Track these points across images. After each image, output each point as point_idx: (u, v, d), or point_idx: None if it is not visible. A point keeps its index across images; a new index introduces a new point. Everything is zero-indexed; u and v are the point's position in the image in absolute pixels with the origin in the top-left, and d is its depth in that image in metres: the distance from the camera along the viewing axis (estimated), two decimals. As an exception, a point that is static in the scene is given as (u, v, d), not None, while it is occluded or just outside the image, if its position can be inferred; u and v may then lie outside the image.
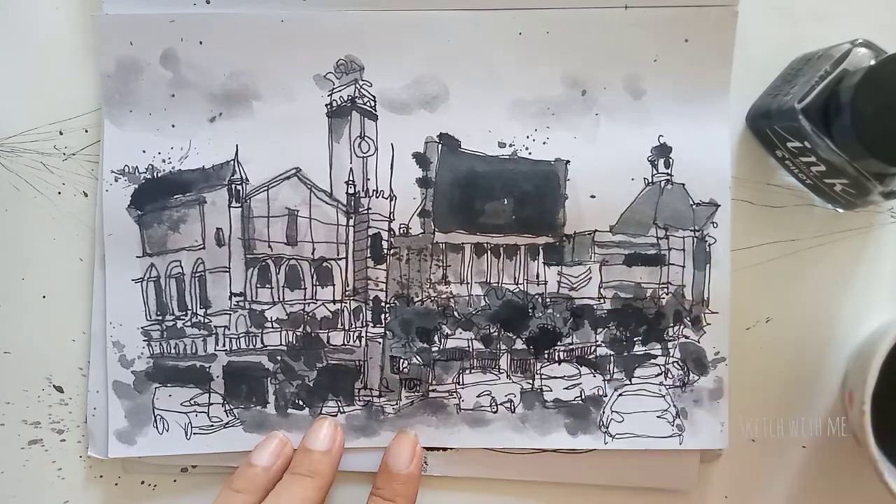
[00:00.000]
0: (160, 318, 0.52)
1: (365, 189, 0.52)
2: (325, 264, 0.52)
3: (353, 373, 0.53)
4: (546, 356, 0.53)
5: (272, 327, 0.52)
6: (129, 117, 0.51)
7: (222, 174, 0.51)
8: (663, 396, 0.53)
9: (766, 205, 0.53)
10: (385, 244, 0.52)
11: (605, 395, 0.53)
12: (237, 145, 0.51)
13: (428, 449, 0.53)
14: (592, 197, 0.52)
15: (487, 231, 0.52)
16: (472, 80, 0.52)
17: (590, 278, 0.53)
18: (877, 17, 0.52)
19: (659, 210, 0.52)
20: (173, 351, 0.52)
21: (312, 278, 0.52)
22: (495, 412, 0.53)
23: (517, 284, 0.53)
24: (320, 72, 0.51)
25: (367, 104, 0.52)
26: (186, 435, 0.53)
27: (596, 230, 0.52)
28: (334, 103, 0.52)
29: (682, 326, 0.53)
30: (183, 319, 0.52)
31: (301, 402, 0.53)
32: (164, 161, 0.52)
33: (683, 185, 0.52)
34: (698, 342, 0.53)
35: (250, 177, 0.51)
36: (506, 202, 0.52)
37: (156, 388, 0.53)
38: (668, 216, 0.52)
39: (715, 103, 0.52)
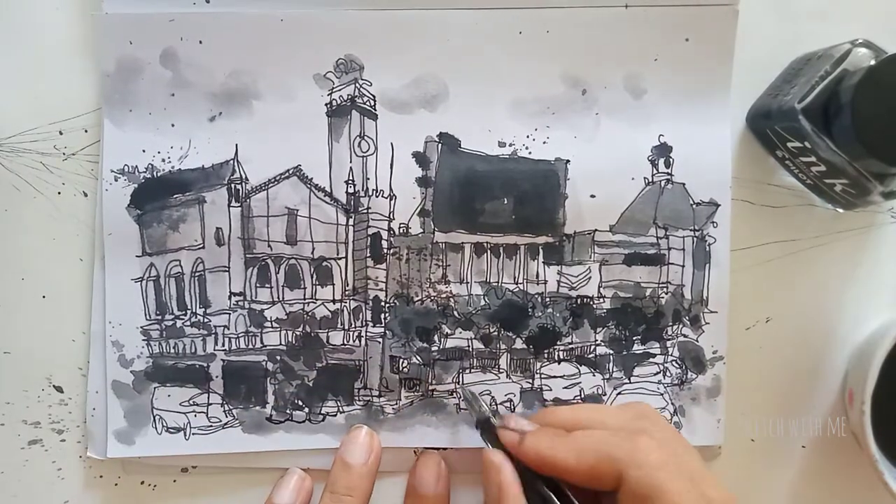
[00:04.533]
0: (160, 317, 0.52)
1: (365, 188, 0.52)
2: (324, 264, 0.52)
3: (352, 372, 0.53)
4: (546, 355, 0.53)
5: (272, 327, 0.52)
6: (128, 117, 0.51)
7: (222, 173, 0.51)
8: (662, 395, 0.53)
9: (766, 205, 0.53)
10: (385, 244, 0.52)
11: (605, 394, 0.53)
12: (237, 144, 0.51)
13: (428, 449, 0.53)
14: (592, 196, 0.52)
15: (487, 230, 0.52)
16: (472, 79, 0.52)
17: (589, 278, 0.53)
18: (877, 17, 0.52)
19: (659, 209, 0.52)
20: (172, 351, 0.52)
21: (312, 278, 0.52)
22: (495, 411, 0.53)
23: (517, 284, 0.53)
24: (320, 71, 0.51)
25: (367, 103, 0.52)
26: (185, 435, 0.52)
27: (596, 230, 0.52)
28: (334, 102, 0.52)
29: (680, 325, 0.53)
30: (182, 319, 0.52)
31: (300, 402, 0.53)
32: (163, 160, 0.52)
33: (684, 184, 0.52)
34: (697, 341, 0.53)
35: (250, 176, 0.51)
36: (506, 202, 0.52)
37: (155, 387, 0.53)
38: (668, 216, 0.52)
39: (716, 102, 0.52)
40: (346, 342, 0.53)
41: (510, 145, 0.52)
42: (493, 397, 0.53)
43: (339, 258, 0.52)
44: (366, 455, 0.51)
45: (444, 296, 0.53)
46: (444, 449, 0.53)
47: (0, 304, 0.53)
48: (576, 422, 0.47)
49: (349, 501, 0.49)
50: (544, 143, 0.52)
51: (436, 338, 0.53)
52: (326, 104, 0.52)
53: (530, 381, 0.53)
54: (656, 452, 0.42)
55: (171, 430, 0.52)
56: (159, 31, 0.51)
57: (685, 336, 0.53)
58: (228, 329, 0.52)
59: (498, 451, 0.47)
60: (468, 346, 0.53)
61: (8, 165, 0.52)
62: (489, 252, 0.53)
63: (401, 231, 0.52)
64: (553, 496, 0.45)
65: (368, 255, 0.52)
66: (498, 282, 0.53)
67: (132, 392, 0.52)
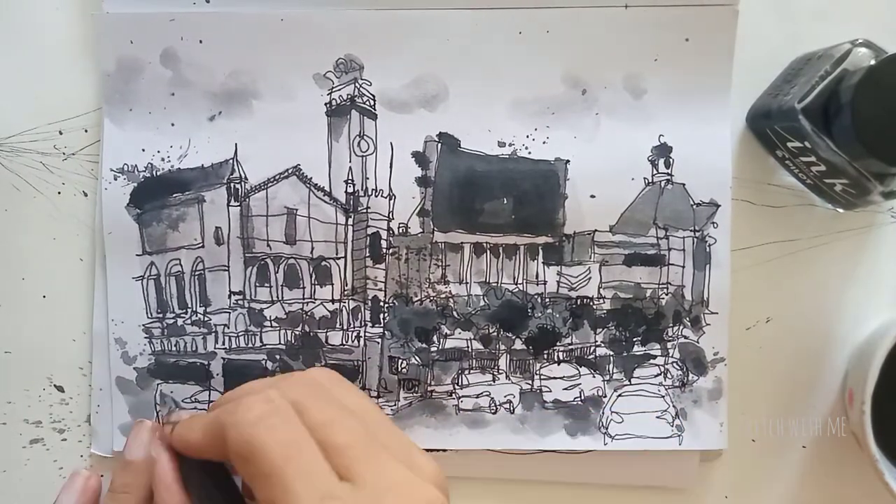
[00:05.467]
0: (161, 315, 0.52)
1: (364, 188, 0.52)
2: (323, 263, 0.52)
3: (351, 373, 0.53)
4: (545, 356, 0.53)
5: (271, 326, 0.52)
6: (128, 116, 0.51)
7: (221, 173, 0.52)
8: (662, 397, 0.53)
9: (766, 205, 0.53)
10: (384, 243, 0.52)
11: (605, 396, 0.53)
12: (236, 144, 0.51)
13: (427, 450, 0.53)
14: (592, 197, 0.52)
15: (487, 231, 0.52)
16: (471, 79, 0.52)
17: (589, 278, 0.53)
18: (877, 17, 0.52)
19: (659, 210, 0.52)
20: (174, 348, 0.53)
21: (311, 277, 0.52)
22: (494, 413, 0.53)
23: (516, 284, 0.53)
24: (320, 71, 0.51)
25: (367, 103, 0.52)
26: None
27: (596, 230, 0.52)
28: (334, 102, 0.52)
29: (681, 327, 0.53)
30: (183, 317, 0.52)
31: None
32: (163, 160, 0.52)
33: (684, 185, 0.52)
34: (697, 342, 0.53)
35: (249, 175, 0.51)
36: (505, 202, 0.52)
37: (158, 384, 0.53)
38: (668, 216, 0.52)
39: (716, 103, 0.52)
40: (344, 342, 0.53)
41: (510, 145, 0.52)
42: (491, 398, 0.53)
43: (339, 258, 0.52)
44: (143, 450, 0.47)
45: (443, 296, 0.53)
46: (444, 451, 0.53)
47: (0, 304, 0.53)
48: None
49: (125, 499, 0.46)
50: (544, 143, 0.52)
51: (435, 338, 0.53)
52: (326, 104, 0.52)
53: (529, 381, 0.53)
54: (258, 407, 0.38)
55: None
56: (159, 31, 0.51)
57: (686, 337, 0.53)
58: (228, 328, 0.52)
59: (156, 447, 0.45)
60: (467, 347, 0.53)
61: (8, 165, 0.52)
62: (489, 252, 0.53)
63: (400, 231, 0.52)
64: (204, 477, 0.43)
65: (368, 254, 0.52)
66: (497, 282, 0.53)
67: (136, 388, 0.53)
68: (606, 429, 0.53)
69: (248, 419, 0.37)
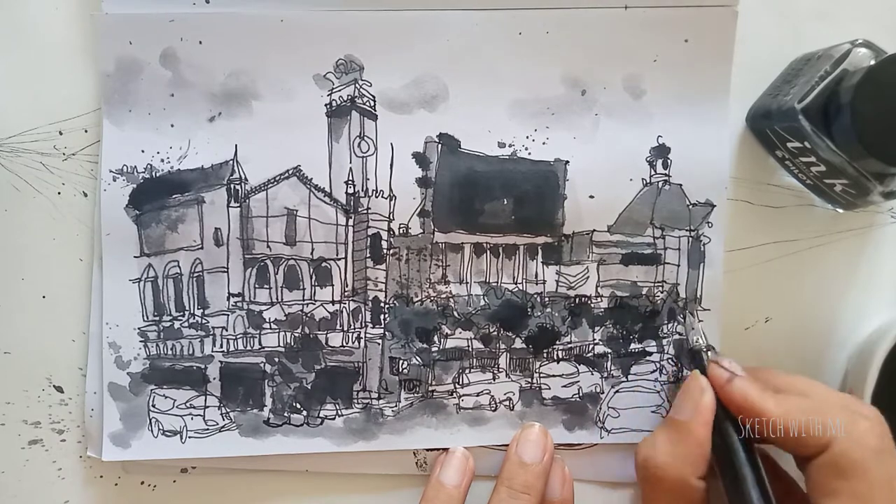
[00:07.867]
0: (157, 318, 0.52)
1: (364, 189, 0.52)
2: (324, 264, 0.52)
3: (351, 374, 0.53)
4: (545, 355, 0.53)
5: (270, 328, 0.52)
6: (128, 117, 0.51)
7: (221, 174, 0.51)
8: (658, 392, 0.53)
9: (765, 205, 0.53)
10: (384, 244, 0.52)
11: (603, 392, 0.53)
12: (236, 145, 0.51)
13: (427, 450, 0.53)
14: (591, 197, 0.52)
15: (487, 231, 0.52)
16: (471, 79, 0.52)
17: (587, 277, 0.53)
18: (877, 17, 0.52)
19: (656, 210, 0.52)
20: (170, 352, 0.52)
21: (311, 279, 0.52)
22: (494, 410, 0.53)
23: (516, 284, 0.53)
24: (320, 71, 0.51)
25: (367, 104, 0.52)
26: (181, 439, 0.52)
27: (594, 230, 0.52)
28: (334, 103, 0.51)
29: (675, 324, 0.53)
30: (180, 320, 0.52)
31: (299, 405, 0.52)
32: (162, 161, 0.52)
33: (681, 185, 0.52)
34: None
35: (249, 176, 0.51)
36: (505, 202, 0.52)
37: (151, 389, 0.52)
38: (665, 216, 0.52)
39: (715, 103, 0.52)
40: (345, 344, 0.52)
41: (510, 146, 0.52)
42: (491, 396, 0.53)
43: (339, 259, 0.52)
44: (541, 454, 0.51)
45: (443, 296, 0.53)
46: (446, 450, 0.53)
47: (0, 304, 0.53)
48: (787, 385, 0.47)
49: (526, 500, 0.49)
50: (544, 143, 0.52)
51: (435, 338, 0.53)
52: (326, 104, 0.51)
53: (529, 379, 0.53)
54: (875, 439, 0.43)
55: (168, 434, 0.52)
56: (159, 32, 0.51)
57: (680, 334, 0.53)
58: (226, 330, 0.52)
59: (706, 378, 0.48)
60: (468, 347, 0.53)
61: (8, 165, 0.52)
62: (489, 252, 0.53)
63: (401, 231, 0.52)
64: (736, 438, 0.46)
65: (368, 255, 0.52)
66: (497, 282, 0.53)
67: (128, 394, 0.52)
68: (603, 423, 0.53)
69: (866, 443, 0.43)
